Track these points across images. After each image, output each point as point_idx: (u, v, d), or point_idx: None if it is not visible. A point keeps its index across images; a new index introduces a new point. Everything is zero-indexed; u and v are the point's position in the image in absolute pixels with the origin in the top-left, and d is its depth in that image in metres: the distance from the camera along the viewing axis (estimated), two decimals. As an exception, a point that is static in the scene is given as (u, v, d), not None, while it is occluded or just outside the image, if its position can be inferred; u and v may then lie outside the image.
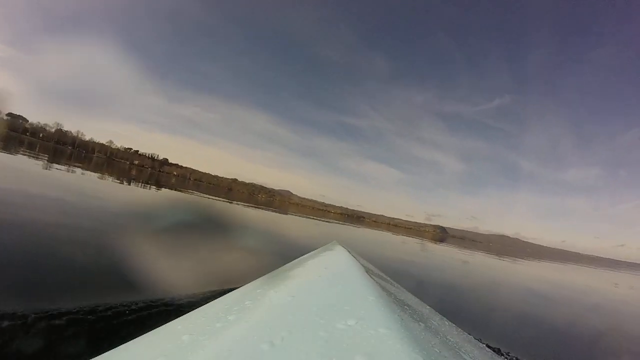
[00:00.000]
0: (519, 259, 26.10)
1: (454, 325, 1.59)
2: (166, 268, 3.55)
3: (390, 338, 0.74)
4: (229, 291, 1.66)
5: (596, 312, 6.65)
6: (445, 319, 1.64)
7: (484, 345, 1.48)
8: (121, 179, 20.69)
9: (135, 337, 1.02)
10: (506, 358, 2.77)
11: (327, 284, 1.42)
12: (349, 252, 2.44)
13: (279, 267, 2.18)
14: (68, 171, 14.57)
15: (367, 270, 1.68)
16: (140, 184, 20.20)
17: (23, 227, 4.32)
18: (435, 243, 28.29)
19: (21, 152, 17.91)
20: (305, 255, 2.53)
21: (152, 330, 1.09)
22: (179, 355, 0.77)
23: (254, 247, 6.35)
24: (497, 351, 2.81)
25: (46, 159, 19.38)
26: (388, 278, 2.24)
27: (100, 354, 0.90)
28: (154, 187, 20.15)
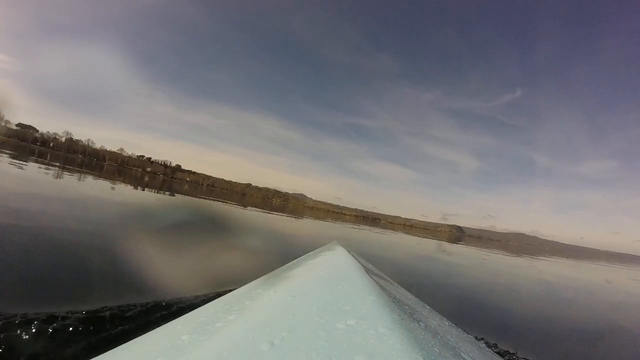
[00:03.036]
0: (536, 257, 25.71)
1: (454, 325, 1.59)
2: (166, 268, 3.55)
3: (390, 338, 0.74)
4: (229, 291, 1.66)
5: (608, 310, 6.55)
6: (445, 319, 1.64)
7: (484, 345, 1.48)
8: (132, 184, 20.61)
9: (135, 337, 1.02)
10: (507, 358, 2.77)
11: (327, 284, 1.42)
12: (349, 252, 2.44)
13: (279, 267, 2.18)
14: (79, 179, 14.45)
15: (367, 270, 1.68)
16: (150, 189, 20.14)
17: (28, 231, 4.33)
18: (452, 243, 27.98)
19: (31, 161, 17.79)
20: (305, 255, 2.53)
21: (152, 330, 1.09)
22: (179, 355, 0.77)
23: (254, 247, 6.35)
24: (498, 351, 2.81)
25: (57, 167, 19.24)
26: (388, 278, 2.24)
27: (100, 354, 0.90)
28: (165, 192, 20.10)
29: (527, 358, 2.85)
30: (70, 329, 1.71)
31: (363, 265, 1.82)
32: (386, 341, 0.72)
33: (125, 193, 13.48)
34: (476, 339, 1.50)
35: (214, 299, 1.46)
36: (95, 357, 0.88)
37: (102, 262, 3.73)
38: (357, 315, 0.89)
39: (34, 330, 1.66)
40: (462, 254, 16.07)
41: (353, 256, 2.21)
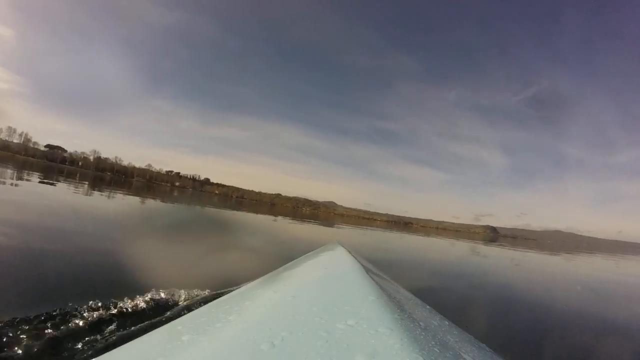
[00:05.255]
0: (571, 255, 24.93)
1: (454, 325, 1.59)
2: (166, 269, 3.55)
3: (390, 338, 0.74)
4: (229, 291, 1.66)
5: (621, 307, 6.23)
6: (445, 319, 1.64)
7: (484, 345, 1.47)
8: (159, 198, 20.38)
9: (135, 337, 1.02)
10: (507, 358, 2.77)
11: (327, 283, 1.42)
12: (349, 252, 2.44)
13: (279, 267, 2.18)
14: (107, 196, 14.14)
15: (367, 270, 1.68)
16: (177, 203, 19.89)
17: (37, 238, 4.34)
18: (485, 245, 27.37)
19: (60, 181, 17.50)
20: (305, 255, 2.53)
21: (152, 331, 1.09)
22: (179, 356, 0.77)
23: (254, 248, 6.35)
24: (498, 351, 2.80)
25: (83, 184, 18.98)
26: (388, 278, 2.23)
27: (100, 354, 0.90)
28: (193, 204, 19.79)
29: (529, 358, 2.84)
30: (70, 329, 1.71)
31: (363, 265, 1.82)
32: (386, 341, 0.72)
33: (141, 205, 13.36)
34: (476, 339, 1.50)
35: (214, 299, 1.46)
36: (96, 358, 0.88)
37: (102, 263, 3.73)
38: (357, 315, 0.89)
39: (34, 331, 1.66)
40: (491, 256, 15.52)
41: (353, 256, 2.21)
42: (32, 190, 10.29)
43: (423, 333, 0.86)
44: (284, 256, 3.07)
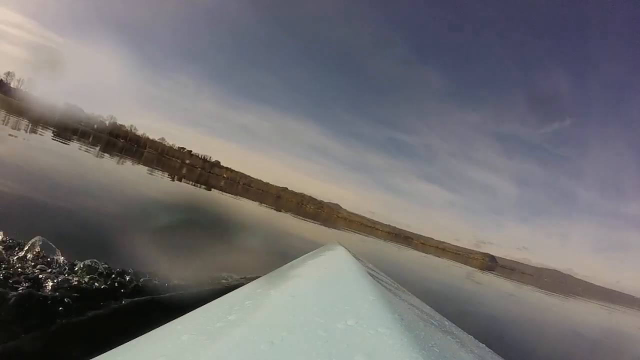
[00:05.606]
0: (567, 297, 24.89)
1: (454, 325, 1.59)
2: (166, 268, 3.55)
3: (390, 338, 0.74)
4: (229, 291, 1.66)
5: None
6: (445, 319, 1.64)
7: (484, 345, 1.48)
8: (165, 174, 20.37)
9: (135, 337, 1.02)
10: (507, 358, 2.77)
11: (327, 283, 1.42)
12: (349, 252, 2.44)
13: (279, 267, 2.18)
14: (116, 162, 14.28)
15: (367, 270, 1.68)
16: (182, 181, 19.81)
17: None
18: (482, 272, 27.25)
19: (74, 141, 17.64)
20: (305, 255, 2.53)
21: (152, 330, 1.09)
22: (179, 356, 0.77)
23: (254, 247, 6.35)
24: (498, 351, 2.80)
25: (97, 149, 19.05)
26: (388, 278, 2.24)
27: (100, 354, 0.90)
28: (199, 186, 19.68)
29: (529, 358, 2.85)
30: (71, 329, 1.71)
31: (363, 265, 1.82)
32: (386, 341, 0.72)
33: (147, 182, 13.32)
34: (476, 339, 1.50)
35: (214, 299, 1.46)
36: (96, 357, 0.88)
37: (102, 263, 3.72)
38: (357, 315, 0.89)
39: (34, 331, 1.66)
40: (487, 283, 15.45)
41: (353, 256, 2.21)
42: (41, 146, 10.32)
43: (423, 333, 0.86)
44: (284, 256, 3.07)
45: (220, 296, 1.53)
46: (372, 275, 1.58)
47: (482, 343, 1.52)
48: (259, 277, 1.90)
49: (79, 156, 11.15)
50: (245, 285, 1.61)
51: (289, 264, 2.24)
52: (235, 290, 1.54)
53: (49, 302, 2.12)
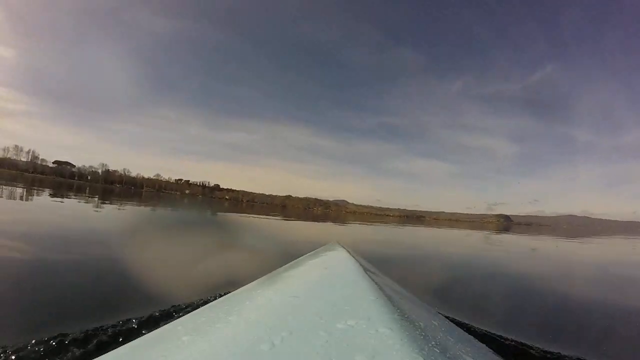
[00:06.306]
0: (588, 238, 23.82)
1: (454, 325, 1.59)
2: (167, 269, 3.55)
3: (390, 338, 0.74)
4: (229, 292, 1.66)
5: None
6: (445, 319, 1.64)
7: (484, 345, 1.47)
8: (167, 206, 20.20)
9: (135, 338, 1.02)
10: (507, 358, 2.76)
11: (327, 284, 1.42)
12: (348, 252, 2.44)
13: (279, 267, 2.18)
14: (111, 207, 13.73)
15: (367, 270, 1.68)
16: (182, 209, 19.72)
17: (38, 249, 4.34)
18: (499, 233, 26.74)
19: (68, 196, 17.08)
20: (305, 255, 2.53)
21: (152, 331, 1.09)
22: (179, 356, 0.77)
23: (254, 248, 6.35)
24: (498, 351, 2.80)
25: (95, 199, 18.55)
26: (388, 278, 2.24)
27: (100, 355, 0.90)
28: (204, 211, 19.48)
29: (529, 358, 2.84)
30: (70, 329, 1.71)
31: (363, 265, 1.82)
32: (386, 341, 0.72)
33: (145, 212, 13.13)
34: (477, 339, 1.50)
35: (214, 300, 1.46)
36: (96, 358, 0.88)
37: (102, 263, 3.73)
38: (357, 315, 0.89)
39: (34, 331, 1.66)
40: (503, 245, 14.86)
41: (353, 256, 2.21)
42: (39, 205, 10.21)
43: (423, 333, 0.86)
44: (284, 256, 3.06)
45: (220, 297, 1.53)
46: (371, 275, 1.58)
47: (486, 341, 1.51)
48: (259, 277, 1.89)
49: (84, 210, 10.52)
50: (246, 286, 1.61)
51: (289, 264, 2.24)
52: (235, 291, 1.54)
53: (49, 302, 2.12)
